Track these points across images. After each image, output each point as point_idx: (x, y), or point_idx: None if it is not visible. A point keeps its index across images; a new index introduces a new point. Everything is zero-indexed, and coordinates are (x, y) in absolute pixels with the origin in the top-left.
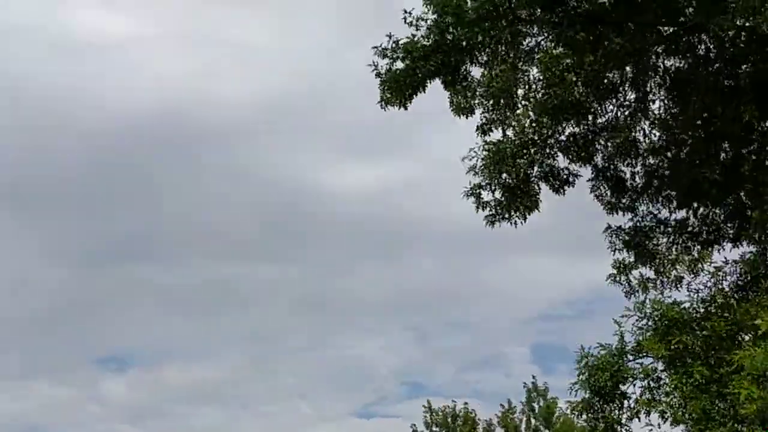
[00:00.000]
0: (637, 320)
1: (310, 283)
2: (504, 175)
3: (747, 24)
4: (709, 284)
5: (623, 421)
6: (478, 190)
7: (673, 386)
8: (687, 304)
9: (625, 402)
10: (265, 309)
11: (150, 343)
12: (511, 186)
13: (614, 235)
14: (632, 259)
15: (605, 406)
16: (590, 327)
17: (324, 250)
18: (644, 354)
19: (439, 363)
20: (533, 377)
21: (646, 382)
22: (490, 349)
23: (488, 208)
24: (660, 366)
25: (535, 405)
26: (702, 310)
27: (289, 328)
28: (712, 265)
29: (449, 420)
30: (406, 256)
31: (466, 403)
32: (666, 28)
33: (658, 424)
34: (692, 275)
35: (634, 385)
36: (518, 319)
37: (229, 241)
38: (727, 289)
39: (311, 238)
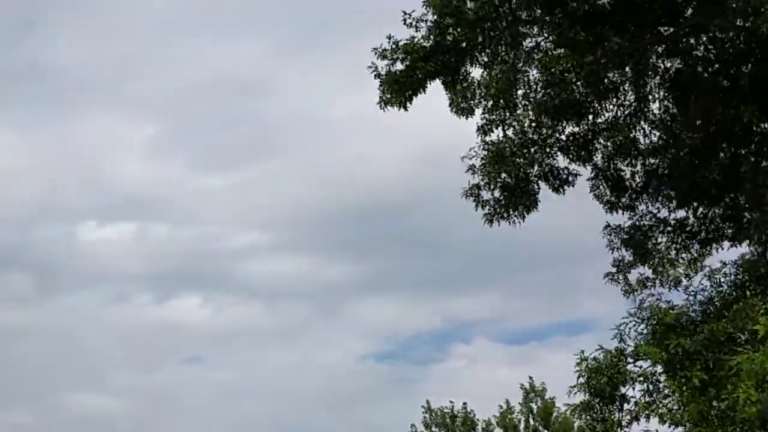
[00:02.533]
0: (635, 324)
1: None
2: (503, 175)
3: (747, 25)
4: (707, 285)
5: (623, 423)
6: (477, 190)
7: (671, 390)
8: (684, 308)
9: (625, 405)
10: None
11: (47, 375)
12: (510, 185)
13: (613, 234)
14: (631, 258)
15: (605, 408)
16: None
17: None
18: (643, 357)
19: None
20: (530, 377)
21: (645, 385)
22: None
23: (487, 207)
24: (659, 369)
25: (533, 405)
26: (700, 313)
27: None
28: (711, 265)
29: (448, 420)
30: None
31: (465, 403)
32: (666, 28)
33: (656, 430)
34: (691, 275)
35: (634, 388)
36: (357, 357)
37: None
38: (725, 288)
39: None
